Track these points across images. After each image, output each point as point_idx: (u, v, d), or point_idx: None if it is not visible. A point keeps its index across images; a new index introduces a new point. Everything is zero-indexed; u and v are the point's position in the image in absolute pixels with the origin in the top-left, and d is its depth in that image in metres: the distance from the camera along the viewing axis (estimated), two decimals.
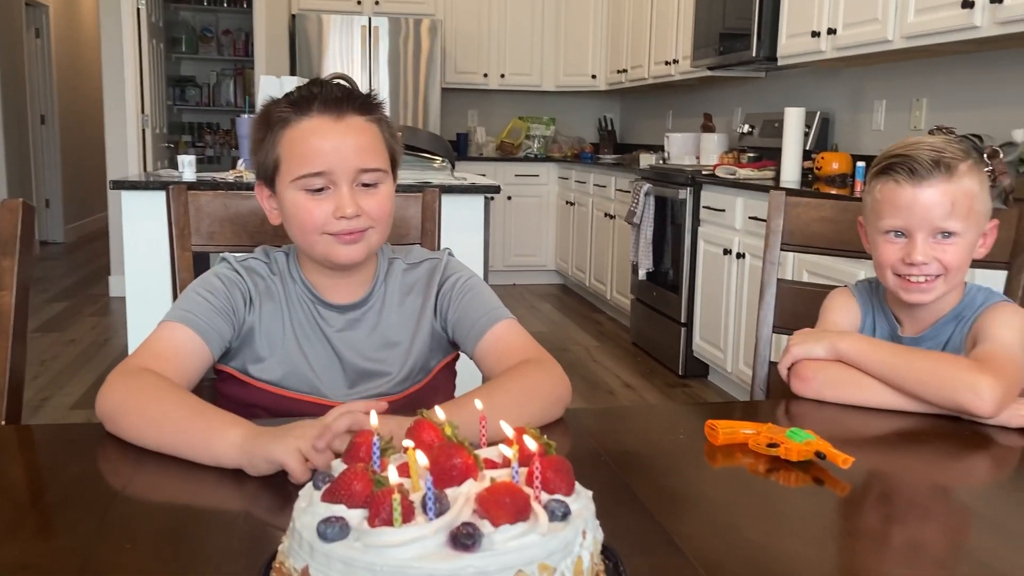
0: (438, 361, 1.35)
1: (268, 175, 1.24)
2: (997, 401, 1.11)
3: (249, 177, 3.13)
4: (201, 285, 1.25)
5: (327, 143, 1.18)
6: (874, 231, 1.30)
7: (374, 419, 0.71)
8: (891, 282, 1.29)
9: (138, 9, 5.64)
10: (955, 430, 1.14)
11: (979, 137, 2.51)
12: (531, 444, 0.65)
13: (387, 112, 1.28)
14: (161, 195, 2.97)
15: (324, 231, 1.20)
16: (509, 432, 0.67)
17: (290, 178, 1.20)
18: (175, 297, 1.48)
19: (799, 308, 1.62)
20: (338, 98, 1.20)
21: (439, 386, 1.35)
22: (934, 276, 1.24)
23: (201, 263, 1.58)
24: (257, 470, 0.91)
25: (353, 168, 1.19)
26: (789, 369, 1.28)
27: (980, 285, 1.32)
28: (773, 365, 1.63)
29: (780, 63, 4.06)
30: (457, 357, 1.39)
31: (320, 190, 1.19)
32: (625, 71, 6.17)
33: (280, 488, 0.89)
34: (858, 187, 3.48)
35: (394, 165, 1.27)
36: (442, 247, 1.61)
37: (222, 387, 1.29)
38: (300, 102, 1.20)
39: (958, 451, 1.11)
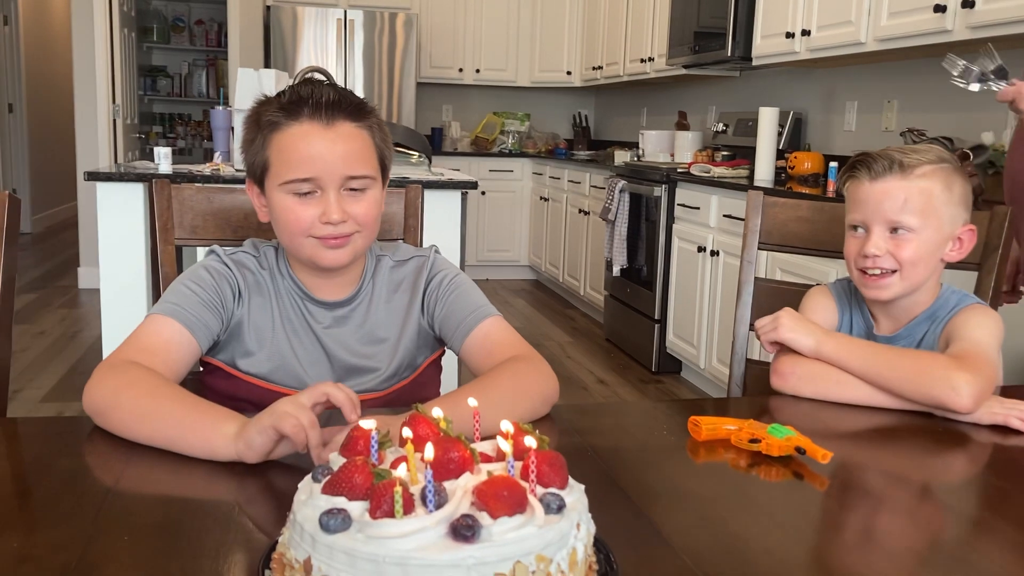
0: (425, 358, 1.36)
1: (257, 175, 1.25)
2: (974, 397, 1.14)
3: (226, 170, 3.12)
4: (189, 278, 1.25)
5: (315, 149, 1.19)
6: (845, 228, 1.35)
7: (368, 422, 0.72)
8: (855, 277, 1.34)
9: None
10: (929, 426, 1.17)
11: (949, 140, 2.56)
12: (529, 441, 0.66)
13: (378, 115, 1.28)
14: (137, 187, 2.95)
15: (310, 234, 1.21)
16: (510, 428, 0.68)
17: (278, 181, 1.21)
18: (151, 289, 1.48)
19: (776, 306, 1.64)
20: (329, 103, 1.20)
21: (426, 382, 1.37)
22: (890, 271, 1.29)
23: (182, 257, 1.58)
24: (255, 449, 0.92)
25: (340, 175, 1.20)
26: (772, 344, 1.31)
27: (954, 287, 1.36)
28: (750, 363, 1.66)
29: (754, 63, 4.10)
30: (443, 354, 1.40)
31: (307, 193, 1.20)
32: (600, 68, 6.20)
33: (275, 483, 0.90)
34: (830, 187, 3.53)
35: (384, 170, 1.28)
36: (425, 243, 1.62)
37: (209, 380, 1.29)
38: (290, 106, 1.20)
39: (932, 447, 1.14)
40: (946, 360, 1.19)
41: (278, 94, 1.24)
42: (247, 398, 1.24)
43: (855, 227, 1.33)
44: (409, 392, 1.31)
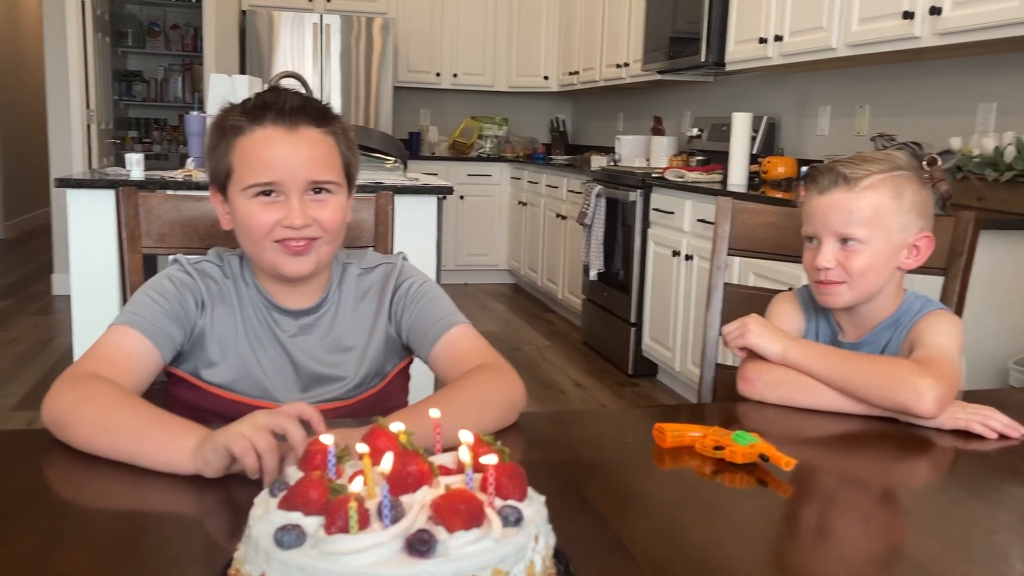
0: (393, 366, 1.35)
1: (220, 182, 1.24)
2: (938, 402, 1.15)
3: (199, 176, 3.10)
4: (152, 288, 1.24)
5: (279, 154, 1.18)
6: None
7: (327, 437, 0.71)
8: (812, 285, 1.37)
9: (83, 2, 5.53)
10: (893, 432, 1.18)
11: (919, 144, 2.58)
12: (488, 460, 0.66)
13: (344, 123, 1.27)
14: (108, 194, 2.92)
15: (272, 237, 1.20)
16: (470, 439, 0.68)
17: (241, 187, 1.20)
18: (123, 298, 1.46)
19: (745, 311, 1.65)
20: (293, 108, 1.20)
21: (394, 391, 1.36)
22: (840, 281, 1.31)
23: (150, 265, 1.57)
24: (211, 466, 0.91)
25: (304, 179, 1.19)
26: (741, 350, 1.32)
27: (918, 294, 1.37)
28: (720, 368, 1.67)
29: (728, 68, 4.13)
30: (411, 362, 1.40)
31: (270, 195, 1.19)
32: (577, 73, 6.22)
33: (235, 494, 0.89)
34: (803, 192, 3.55)
35: (350, 178, 1.27)
36: (395, 250, 1.61)
37: (174, 391, 1.28)
38: (254, 111, 1.20)
39: (896, 452, 1.15)
40: (910, 366, 1.20)
41: (243, 100, 1.24)
42: (212, 409, 1.23)
43: (809, 238, 1.35)
44: (377, 401, 1.31)
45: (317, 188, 1.21)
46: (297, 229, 1.19)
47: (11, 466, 0.98)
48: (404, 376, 1.39)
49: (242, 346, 1.26)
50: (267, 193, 1.19)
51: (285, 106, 1.19)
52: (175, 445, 0.94)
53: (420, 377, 1.45)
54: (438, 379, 1.28)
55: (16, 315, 5.20)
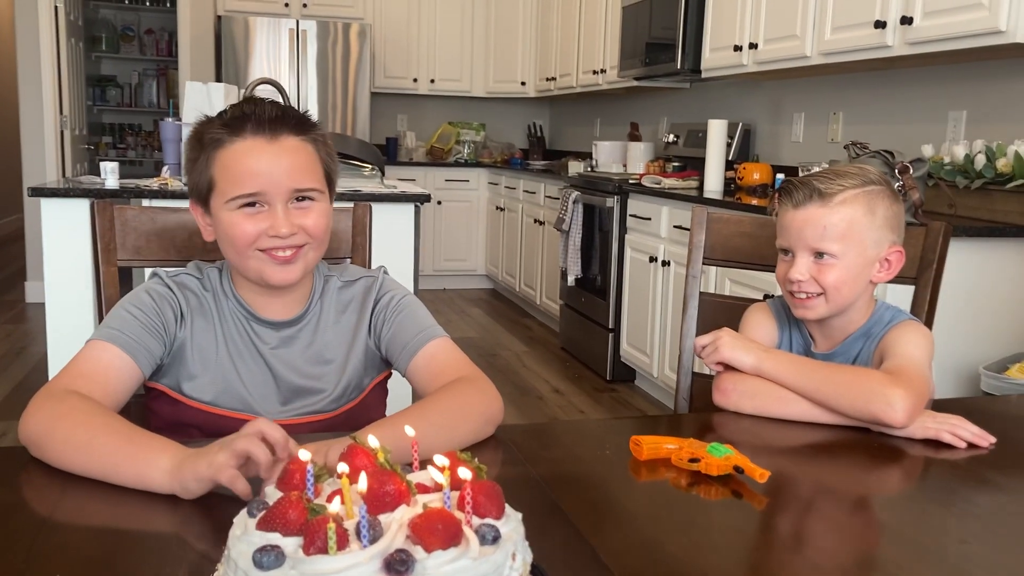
0: (371, 379, 1.36)
1: (202, 195, 1.24)
2: (908, 411, 1.17)
3: (174, 185, 3.08)
4: (130, 301, 1.23)
5: (261, 164, 1.18)
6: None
7: (304, 454, 0.71)
8: (785, 297, 1.39)
9: (56, 7, 5.48)
10: (865, 441, 1.20)
11: (891, 153, 2.62)
12: (464, 473, 0.67)
13: (322, 129, 1.28)
14: (83, 203, 2.91)
15: (257, 247, 1.20)
16: (444, 462, 0.69)
17: (224, 199, 1.20)
18: (98, 309, 1.46)
19: (720, 320, 1.67)
20: (272, 118, 1.20)
21: (372, 404, 1.36)
22: (815, 294, 1.33)
23: (126, 278, 1.56)
24: (189, 493, 0.91)
25: (287, 189, 1.20)
26: (716, 364, 1.33)
27: (888, 304, 1.40)
28: (696, 376, 1.68)
29: (704, 75, 4.16)
30: (389, 375, 1.40)
31: (254, 205, 1.20)
32: (554, 79, 6.24)
33: (213, 512, 0.89)
34: (777, 204, 3.59)
35: (331, 184, 1.28)
36: (373, 259, 1.62)
37: (153, 405, 1.28)
38: (233, 123, 1.20)
39: (867, 462, 1.16)
40: (881, 376, 1.22)
41: (219, 113, 1.24)
42: (192, 422, 1.23)
43: (784, 251, 1.37)
44: (355, 414, 1.31)
45: (300, 196, 1.21)
46: (284, 238, 1.19)
47: None
48: (382, 390, 1.40)
49: (222, 359, 1.26)
50: (251, 204, 1.19)
51: (264, 116, 1.19)
52: (149, 465, 0.94)
53: (398, 391, 1.45)
54: (416, 393, 1.28)
55: None
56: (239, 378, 1.26)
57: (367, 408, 1.34)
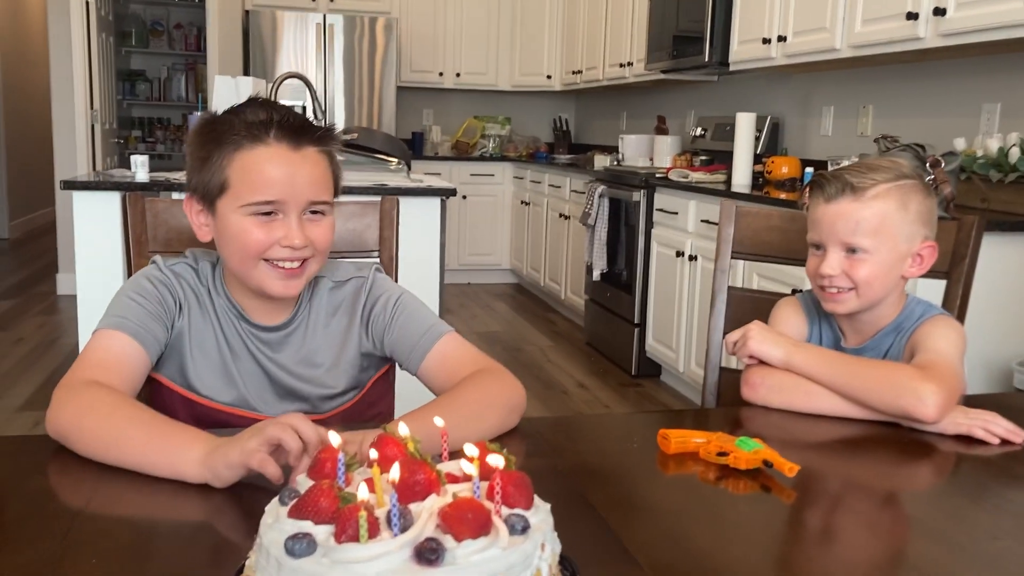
0: (371, 375, 1.34)
1: (210, 195, 1.20)
2: (940, 407, 1.16)
3: None
4: (131, 289, 1.23)
5: (282, 172, 1.16)
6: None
7: (335, 438, 0.72)
8: (816, 291, 1.37)
9: (87, 3, 5.54)
10: (895, 437, 1.19)
11: (922, 146, 2.59)
12: (496, 461, 0.67)
13: (339, 142, 1.27)
14: (113, 196, 2.94)
15: (264, 256, 1.18)
16: (474, 452, 0.69)
17: (238, 203, 1.17)
18: None
19: (749, 315, 1.66)
20: (297, 127, 1.18)
21: (375, 400, 1.36)
22: (846, 289, 1.31)
23: None
24: (221, 480, 0.92)
25: (305, 200, 1.18)
26: (746, 359, 1.33)
27: (920, 299, 1.38)
28: (724, 371, 1.67)
29: (732, 68, 4.13)
30: (392, 368, 1.38)
31: (269, 215, 1.18)
32: (580, 72, 6.22)
33: (244, 501, 0.90)
34: (808, 197, 3.56)
35: (337, 195, 1.27)
36: (400, 253, 1.62)
37: (150, 397, 1.27)
38: (257, 126, 1.17)
39: (898, 458, 1.15)
40: (912, 371, 1.20)
41: (236, 111, 1.20)
42: (189, 414, 1.23)
43: (815, 245, 1.35)
44: (357, 411, 1.31)
45: (314, 209, 1.20)
46: (296, 249, 1.17)
47: (21, 472, 0.99)
48: (386, 383, 1.38)
49: (220, 352, 1.26)
50: (266, 212, 1.17)
51: (288, 123, 1.17)
52: (180, 457, 0.94)
53: (406, 387, 1.40)
54: (433, 391, 1.26)
55: (21, 315, 5.22)
56: (237, 373, 1.26)
57: (370, 405, 1.33)
